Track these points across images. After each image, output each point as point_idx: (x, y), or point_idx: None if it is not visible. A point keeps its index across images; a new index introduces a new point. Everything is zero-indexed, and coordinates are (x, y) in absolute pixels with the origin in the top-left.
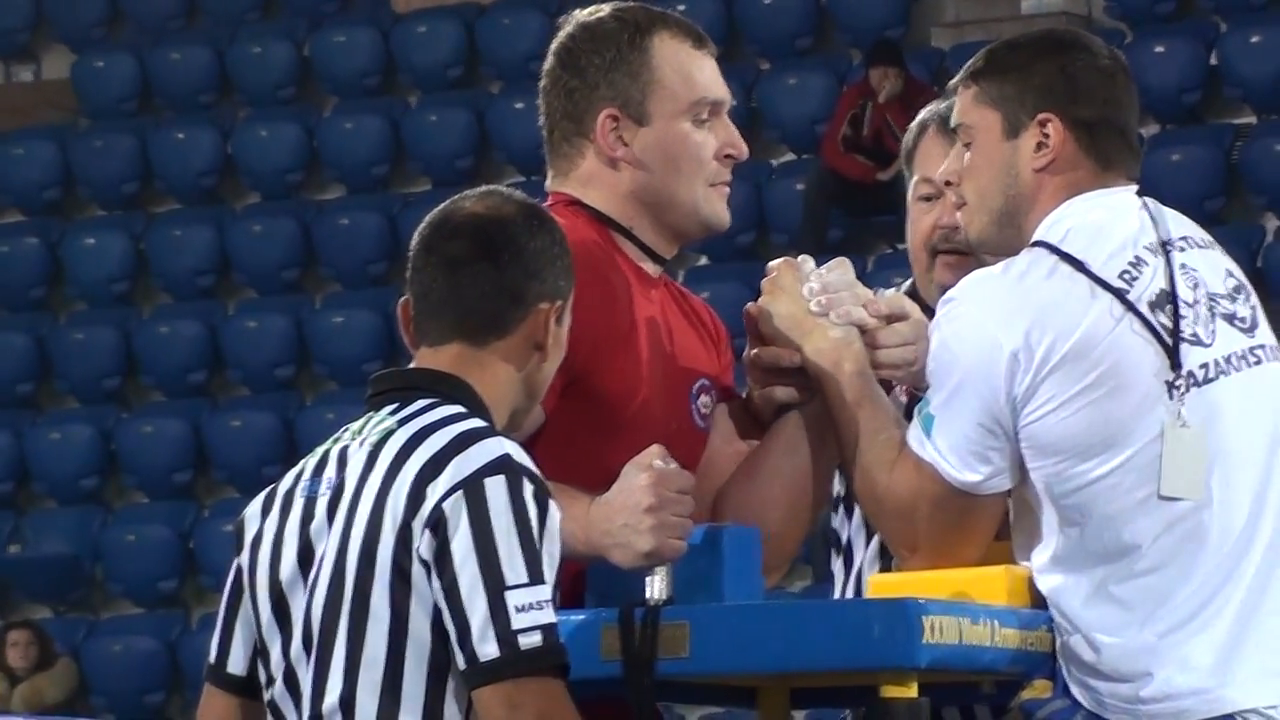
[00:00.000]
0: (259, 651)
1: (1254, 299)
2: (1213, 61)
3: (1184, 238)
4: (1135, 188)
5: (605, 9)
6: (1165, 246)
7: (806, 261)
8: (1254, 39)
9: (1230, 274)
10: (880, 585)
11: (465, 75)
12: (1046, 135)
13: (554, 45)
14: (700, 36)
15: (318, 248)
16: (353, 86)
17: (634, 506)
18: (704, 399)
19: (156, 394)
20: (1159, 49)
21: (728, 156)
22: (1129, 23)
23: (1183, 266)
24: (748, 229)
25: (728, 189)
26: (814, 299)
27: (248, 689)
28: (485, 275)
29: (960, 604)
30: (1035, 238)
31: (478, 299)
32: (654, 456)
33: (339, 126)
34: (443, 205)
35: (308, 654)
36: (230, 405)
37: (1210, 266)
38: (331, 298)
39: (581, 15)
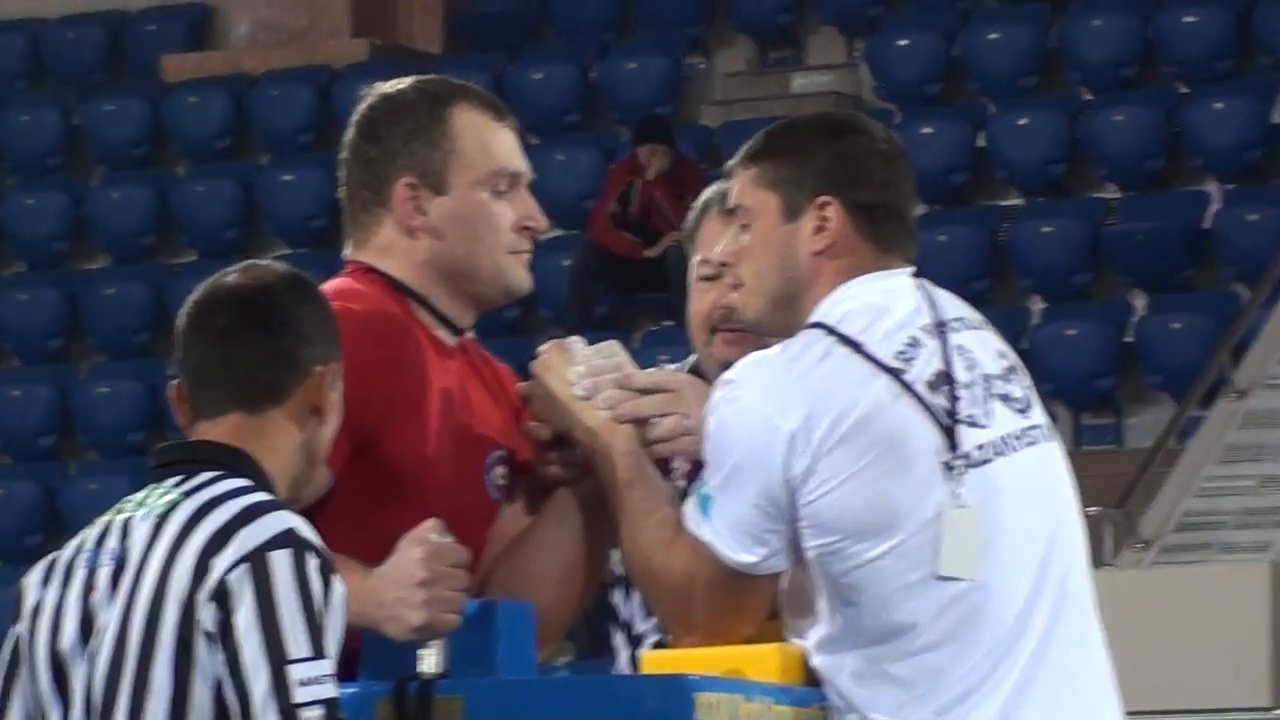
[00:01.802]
0: None
1: (1027, 379)
2: (980, 143)
3: (958, 319)
4: (912, 270)
5: (406, 81)
6: (940, 328)
7: (576, 343)
8: (1021, 122)
9: (1002, 355)
10: (655, 661)
11: (234, 146)
12: (825, 218)
13: (354, 116)
14: (500, 109)
15: (83, 317)
16: (121, 156)
17: (407, 580)
18: (500, 469)
19: None
20: (927, 130)
21: (526, 228)
22: (898, 103)
23: (958, 348)
24: (514, 304)
25: (529, 256)
26: (580, 383)
27: None
28: (255, 343)
29: (734, 681)
30: (812, 319)
31: (250, 368)
32: (429, 530)
33: (106, 196)
34: (205, 283)
35: None
36: None
37: (984, 348)
38: (96, 368)
39: (382, 86)
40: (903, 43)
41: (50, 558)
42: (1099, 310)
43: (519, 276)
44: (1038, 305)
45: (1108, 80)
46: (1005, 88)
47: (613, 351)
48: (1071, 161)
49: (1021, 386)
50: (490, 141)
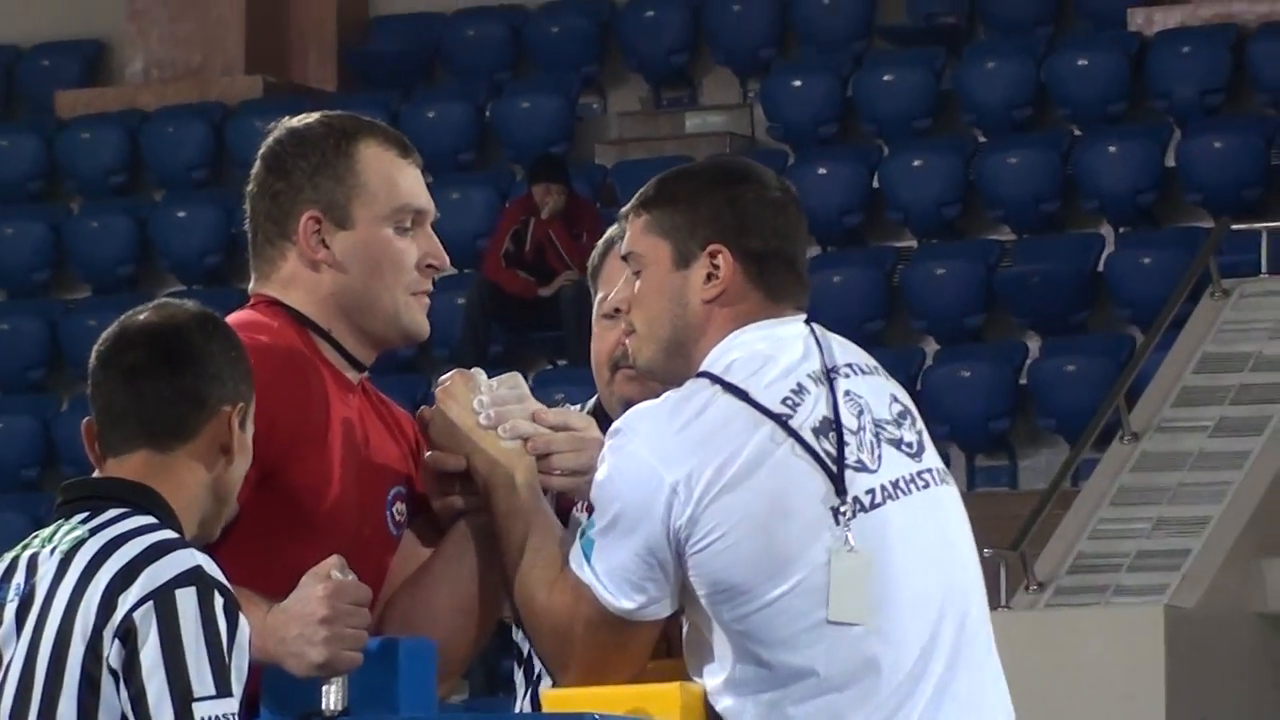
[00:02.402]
0: None
1: (920, 424)
2: (874, 184)
3: (849, 364)
4: (803, 317)
5: (313, 116)
6: (829, 374)
7: (479, 373)
8: (915, 163)
9: (896, 399)
10: (556, 699)
11: (128, 182)
12: (716, 266)
13: (261, 150)
14: (406, 146)
15: None
16: (14, 191)
17: (309, 617)
18: (399, 505)
19: None
20: (821, 170)
21: (429, 266)
22: (791, 144)
23: (847, 393)
24: None
25: (428, 300)
26: (483, 411)
27: None
28: (164, 381)
29: None
30: (700, 368)
31: (159, 405)
32: (332, 567)
33: (0, 232)
34: (117, 320)
35: None
36: None
37: (875, 393)
38: None
39: (289, 121)
40: (796, 83)
41: None
42: (993, 352)
43: (417, 320)
44: (932, 346)
45: (1001, 122)
46: (899, 129)
47: (516, 383)
48: (966, 203)
49: (914, 431)
50: (396, 178)
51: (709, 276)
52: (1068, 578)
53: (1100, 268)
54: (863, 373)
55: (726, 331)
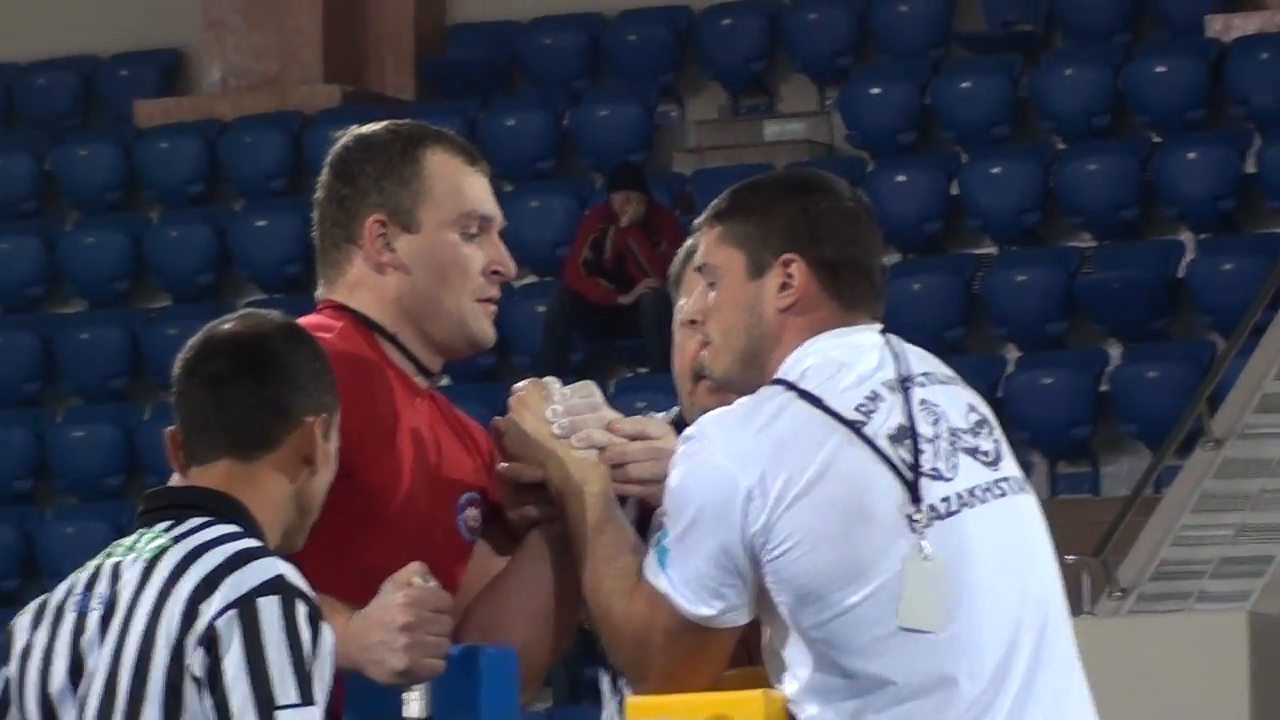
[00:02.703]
0: None
1: (997, 433)
2: (954, 191)
3: (925, 374)
4: (879, 326)
5: (381, 123)
6: (904, 383)
7: (553, 382)
8: (994, 170)
9: (973, 408)
10: (640, 708)
11: (207, 191)
12: (790, 276)
13: (329, 156)
14: (472, 154)
15: (59, 362)
16: (94, 201)
17: (390, 624)
18: (472, 511)
19: None
20: (900, 178)
21: (495, 273)
22: (870, 151)
23: (922, 402)
24: (489, 351)
25: (494, 307)
26: (557, 421)
27: None
28: (248, 391)
29: None
30: (775, 376)
31: (242, 414)
32: (413, 574)
33: (80, 241)
34: (203, 329)
35: None
36: None
37: (952, 402)
38: (72, 412)
39: (357, 129)
40: (875, 91)
41: (41, 600)
42: (1074, 359)
43: (483, 327)
44: (1013, 354)
45: (1080, 129)
46: (978, 136)
47: (589, 391)
48: (1045, 210)
49: (991, 440)
50: (461, 184)
51: (783, 286)
52: (1150, 584)
53: (1180, 274)
54: (939, 382)
55: (801, 340)
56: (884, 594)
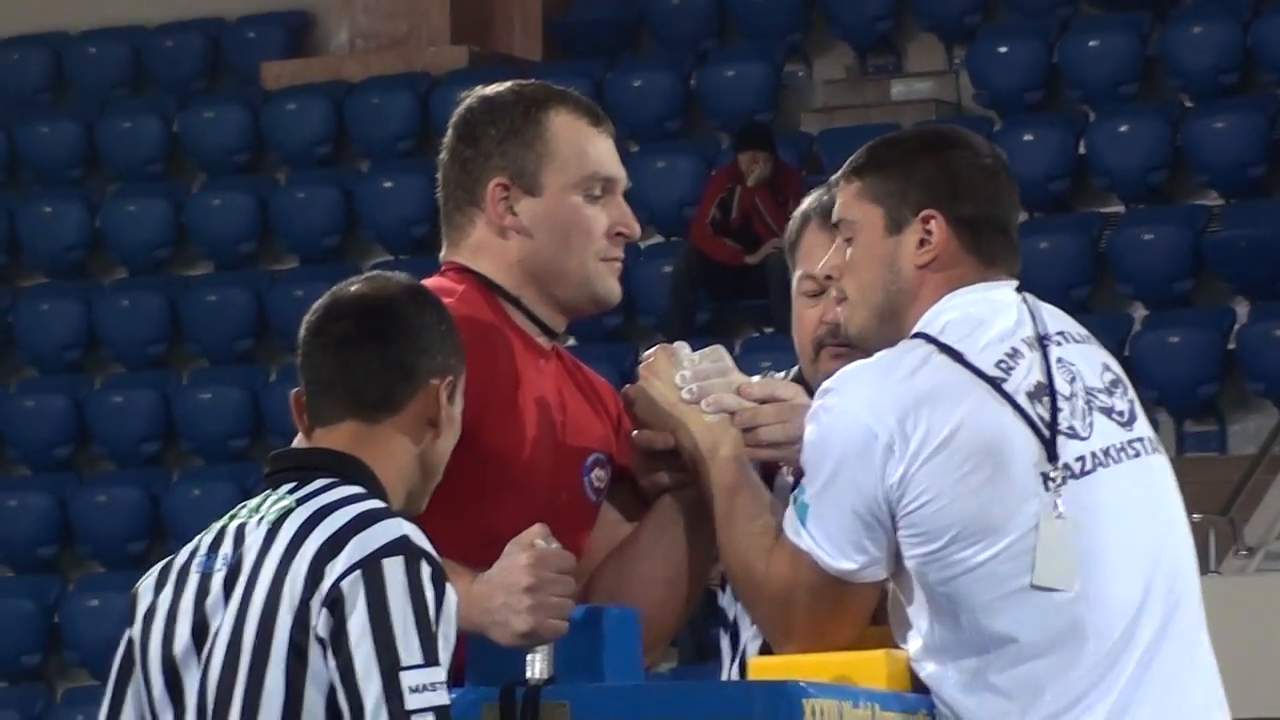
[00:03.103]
0: None
1: (1131, 393)
2: (1081, 150)
3: (1061, 333)
4: (1015, 283)
5: (505, 84)
6: (1042, 341)
7: (682, 348)
8: (1122, 128)
9: (1108, 368)
10: (762, 667)
11: (334, 153)
12: (929, 232)
13: (453, 118)
14: (598, 115)
15: (185, 324)
16: (221, 163)
17: (513, 586)
18: (598, 472)
19: (22, 468)
20: (1028, 137)
21: (619, 234)
22: (998, 110)
23: (1059, 360)
24: (615, 311)
25: (619, 265)
26: (686, 386)
27: None
28: (373, 352)
29: (842, 687)
30: (915, 330)
31: (367, 376)
32: (535, 536)
33: (207, 203)
34: (329, 291)
35: None
36: (97, 480)
37: (1087, 361)
38: (199, 374)
39: (482, 89)
40: (1002, 50)
41: (164, 563)
42: (1201, 317)
43: (608, 285)
44: (1139, 312)
45: (1208, 87)
46: (1105, 95)
47: (719, 356)
48: (1172, 168)
49: (1125, 400)
50: (585, 146)
51: (922, 242)
52: (1277, 543)
53: None
54: (1075, 341)
55: (938, 297)
56: (1014, 551)
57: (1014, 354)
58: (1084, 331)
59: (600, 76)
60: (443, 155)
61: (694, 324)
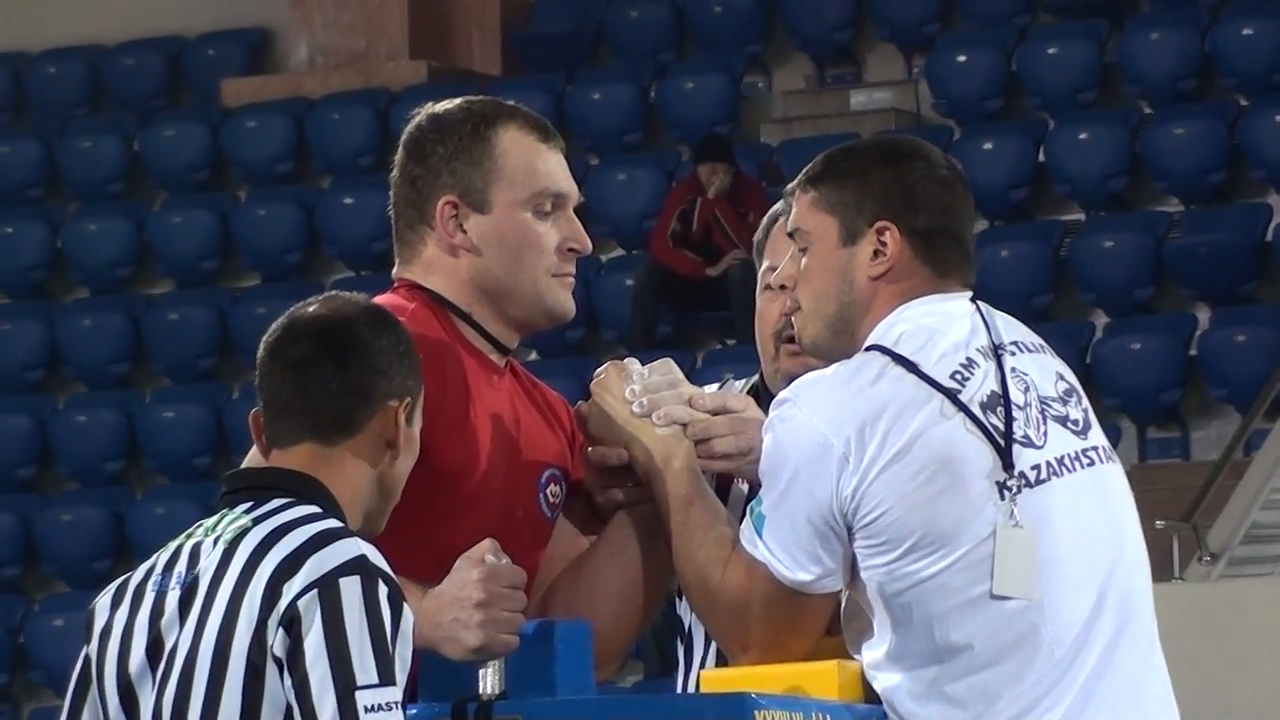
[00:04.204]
0: None
1: (1085, 402)
2: (1040, 158)
3: (1015, 342)
4: (969, 294)
5: (455, 101)
6: (996, 350)
7: (632, 363)
8: (1081, 136)
9: (1061, 377)
10: (714, 680)
11: (295, 170)
12: (884, 243)
13: (403, 136)
14: (547, 131)
15: (147, 342)
16: (182, 181)
17: (464, 601)
18: (553, 488)
19: None
20: (987, 145)
21: (570, 250)
22: (957, 119)
23: (1013, 370)
24: (577, 325)
25: (571, 280)
26: (636, 400)
27: None
28: (331, 374)
29: (793, 699)
30: (869, 342)
31: (325, 398)
32: (486, 551)
33: (168, 221)
34: (287, 312)
35: None
36: (60, 499)
37: (1041, 370)
38: (161, 392)
39: (432, 106)
40: (961, 59)
41: (121, 580)
42: (1162, 324)
43: (560, 300)
44: (1101, 319)
45: (1167, 93)
46: (1065, 102)
47: (668, 369)
48: (1132, 175)
49: (1079, 409)
50: (534, 162)
51: (876, 253)
52: (1241, 548)
53: (1269, 237)
54: (1028, 350)
55: (892, 308)
56: (970, 560)
57: (969, 364)
58: (1038, 341)
59: (560, 89)
60: (394, 173)
61: (656, 336)
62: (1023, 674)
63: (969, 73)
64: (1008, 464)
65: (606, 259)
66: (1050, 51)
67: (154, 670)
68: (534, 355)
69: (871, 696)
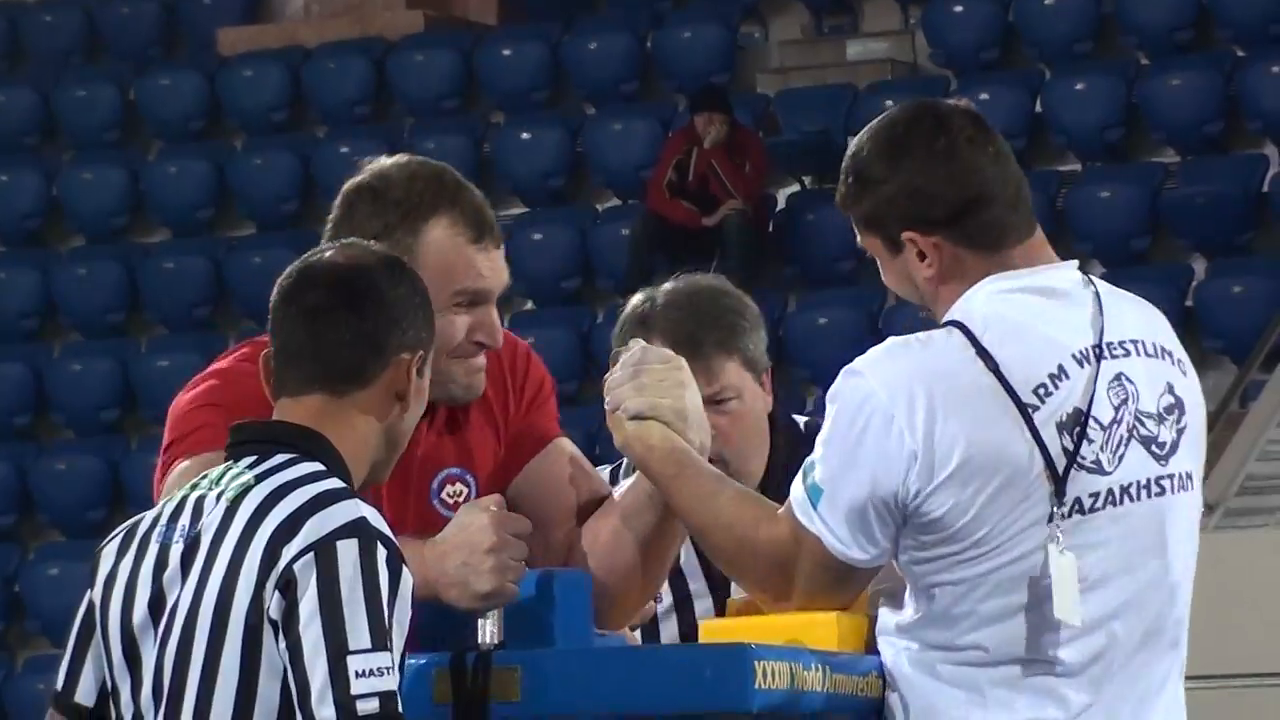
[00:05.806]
0: (110, 690)
1: (1185, 420)
2: (1037, 109)
3: (1133, 341)
4: (1074, 264)
5: (411, 166)
6: (1099, 353)
7: (624, 352)
8: (1078, 86)
9: (1171, 390)
10: (713, 630)
11: (290, 119)
12: (921, 253)
13: (343, 188)
14: (482, 226)
15: (143, 291)
16: (178, 130)
17: (474, 546)
18: (450, 489)
19: None
20: (984, 96)
21: (476, 343)
22: (954, 70)
23: (1117, 377)
24: (573, 274)
25: (479, 364)
26: (606, 400)
27: None
28: (346, 324)
29: (793, 649)
30: (949, 316)
31: (338, 348)
32: (491, 501)
33: (164, 170)
34: (303, 256)
35: (156, 705)
36: (55, 449)
37: (1151, 379)
38: (157, 341)
39: (381, 165)
40: (958, 9)
41: (128, 526)
42: (1158, 274)
43: (461, 383)
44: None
45: (1164, 44)
46: (1061, 53)
47: (632, 360)
48: (1129, 126)
49: (1174, 429)
50: (455, 262)
51: (920, 256)
52: (1236, 500)
53: (1265, 188)
54: (1145, 354)
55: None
56: (1007, 574)
57: (1059, 374)
58: (1162, 342)
59: (556, 39)
60: (333, 214)
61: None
62: (1019, 680)
63: (966, 23)
64: (1060, 490)
65: (603, 209)
66: (1047, 2)
67: (155, 625)
68: (530, 305)
69: (871, 648)
